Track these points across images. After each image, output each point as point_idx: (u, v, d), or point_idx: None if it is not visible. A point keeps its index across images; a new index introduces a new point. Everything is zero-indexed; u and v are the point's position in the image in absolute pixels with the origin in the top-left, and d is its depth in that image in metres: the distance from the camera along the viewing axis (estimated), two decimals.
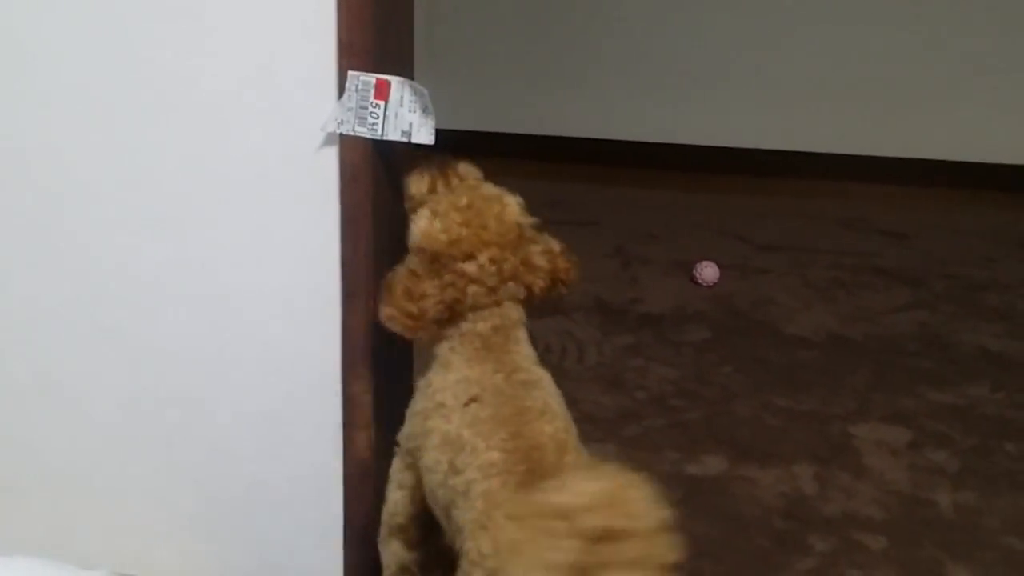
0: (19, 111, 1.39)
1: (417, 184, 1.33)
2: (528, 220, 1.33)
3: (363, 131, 1.26)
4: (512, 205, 1.32)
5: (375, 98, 1.25)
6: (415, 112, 1.26)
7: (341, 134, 1.28)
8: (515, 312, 1.31)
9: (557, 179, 3.80)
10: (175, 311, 1.45)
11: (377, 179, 1.32)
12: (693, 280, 2.87)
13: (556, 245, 1.34)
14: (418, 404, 1.33)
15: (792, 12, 3.67)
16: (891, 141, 3.70)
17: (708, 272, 2.86)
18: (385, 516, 1.41)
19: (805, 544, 1.77)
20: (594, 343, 2.47)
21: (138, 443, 1.55)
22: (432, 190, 1.32)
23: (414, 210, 1.31)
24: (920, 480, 1.97)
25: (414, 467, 1.34)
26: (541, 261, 1.31)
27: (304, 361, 1.43)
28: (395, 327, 1.28)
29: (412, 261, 1.29)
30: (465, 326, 1.28)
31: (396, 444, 1.39)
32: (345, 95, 1.25)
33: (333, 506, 1.49)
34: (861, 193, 3.69)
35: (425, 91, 1.25)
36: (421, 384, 1.34)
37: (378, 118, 1.26)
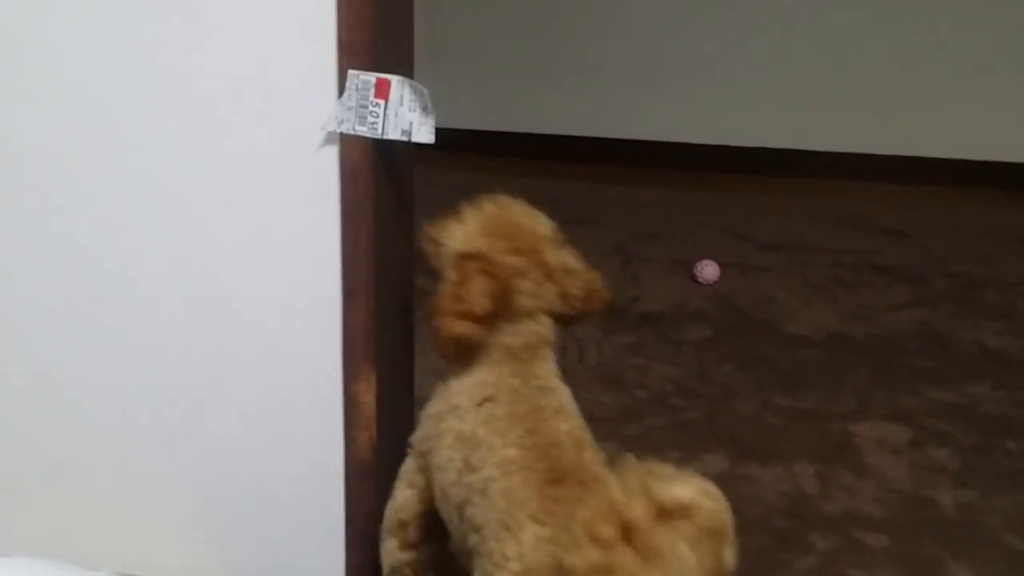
0: (19, 111, 1.39)
1: (433, 226, 1.36)
2: (559, 236, 1.36)
3: (363, 130, 1.26)
4: (542, 217, 1.37)
5: (375, 97, 1.25)
6: (415, 111, 1.26)
7: (341, 133, 1.28)
8: (546, 328, 1.33)
9: (557, 178, 3.81)
10: (175, 311, 1.45)
11: (377, 178, 1.32)
12: (693, 279, 2.87)
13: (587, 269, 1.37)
14: (434, 407, 1.34)
15: (792, 11, 3.67)
16: (891, 139, 3.70)
17: (708, 271, 2.86)
18: (389, 512, 1.42)
19: (806, 542, 1.77)
20: (594, 342, 2.47)
21: (139, 443, 1.55)
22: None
23: (435, 250, 1.35)
24: (921, 478, 1.97)
25: (426, 470, 1.34)
26: (578, 269, 1.35)
27: (305, 361, 1.43)
28: (454, 330, 1.28)
29: (450, 275, 1.30)
30: (499, 339, 1.29)
31: (409, 445, 1.40)
32: (345, 94, 1.25)
33: (334, 506, 1.49)
34: (861, 191, 3.69)
35: (425, 90, 1.25)
36: (440, 388, 1.34)
37: (378, 117, 1.26)
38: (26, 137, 1.40)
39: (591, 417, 1.28)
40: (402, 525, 1.40)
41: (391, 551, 1.42)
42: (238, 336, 1.45)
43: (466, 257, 1.30)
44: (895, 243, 3.25)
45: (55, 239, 1.45)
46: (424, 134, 1.26)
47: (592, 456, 1.22)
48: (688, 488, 0.96)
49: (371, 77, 1.24)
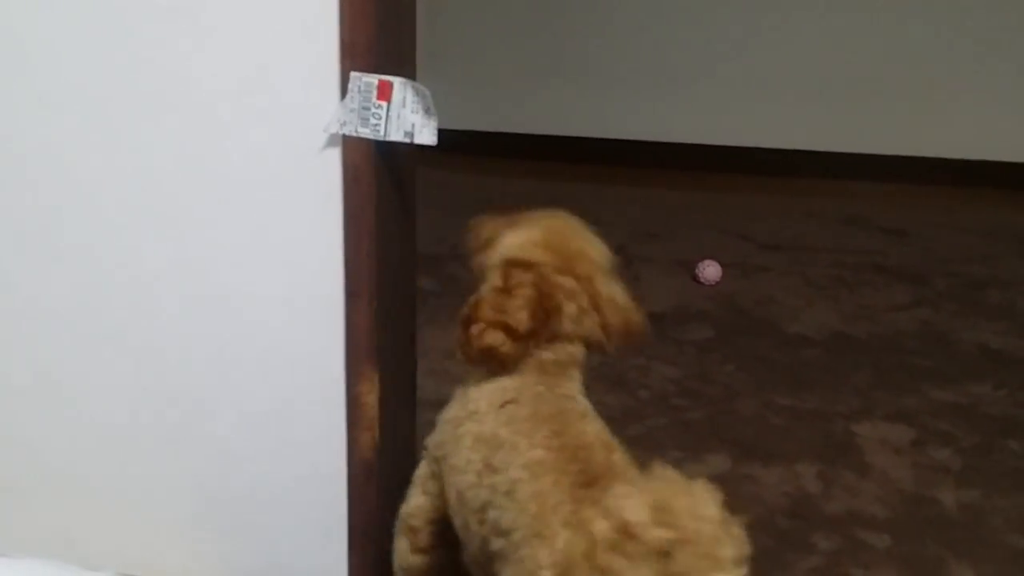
0: (19, 112, 1.39)
1: (486, 224, 1.35)
2: (613, 266, 1.32)
3: (366, 132, 1.26)
4: (599, 242, 1.33)
5: (377, 99, 1.25)
6: (417, 113, 1.26)
7: (344, 135, 1.28)
8: (579, 351, 1.29)
9: (558, 178, 3.80)
10: (177, 312, 1.45)
11: (379, 179, 1.32)
12: (695, 279, 2.87)
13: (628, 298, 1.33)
14: (451, 412, 1.32)
15: (793, 10, 3.67)
16: (892, 139, 3.70)
17: (710, 271, 2.86)
18: (402, 515, 1.41)
19: (809, 543, 1.77)
20: None
21: (141, 444, 1.55)
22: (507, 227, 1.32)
23: (482, 248, 1.33)
24: (923, 478, 1.97)
25: (439, 476, 1.32)
26: (623, 304, 1.30)
27: (307, 362, 1.43)
28: (487, 341, 1.24)
29: (495, 279, 1.27)
30: (536, 355, 1.26)
31: (424, 448, 1.38)
32: (347, 96, 1.25)
33: (337, 506, 1.49)
34: (862, 191, 3.69)
35: (427, 92, 1.25)
36: (458, 393, 1.32)
37: (380, 119, 1.26)
38: (26, 137, 1.40)
39: None
40: (413, 530, 1.38)
41: (402, 552, 1.40)
42: (240, 337, 1.45)
43: (518, 265, 1.25)
44: (896, 243, 3.25)
45: (55, 239, 1.45)
46: (426, 136, 1.26)
47: (621, 458, 1.18)
48: (637, 507, 0.94)
49: (373, 79, 1.24)
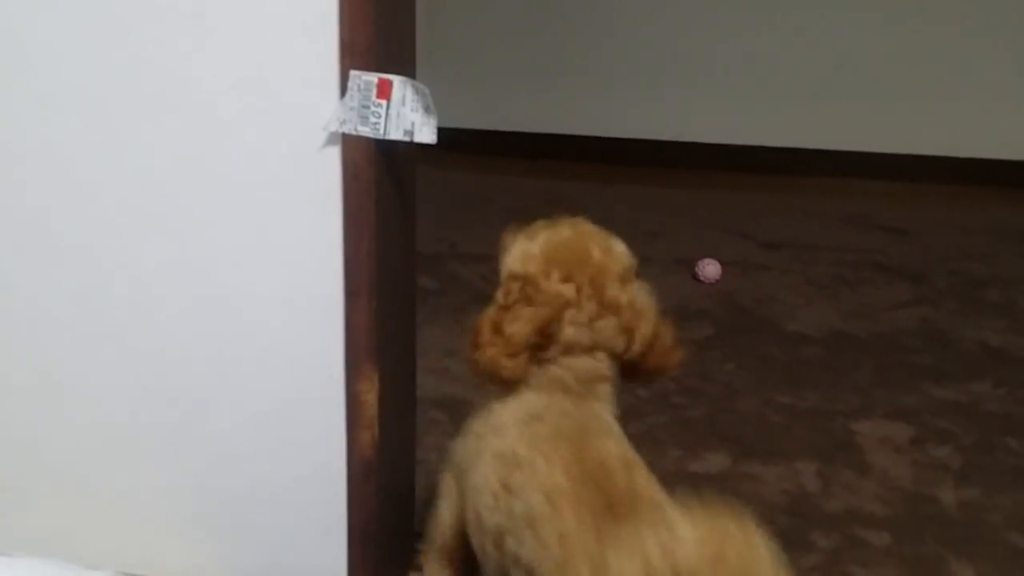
0: (19, 112, 1.39)
1: (505, 239, 1.31)
2: (633, 265, 1.27)
3: (365, 130, 1.26)
4: (618, 246, 1.28)
5: (377, 97, 1.25)
6: (417, 111, 1.26)
7: (343, 133, 1.28)
8: (605, 366, 1.24)
9: (558, 177, 3.81)
10: (176, 311, 1.45)
11: (379, 178, 1.32)
12: (695, 277, 2.87)
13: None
14: (475, 424, 1.29)
15: (794, 9, 3.67)
16: (892, 137, 3.70)
17: (710, 269, 2.86)
18: (432, 532, 1.38)
19: (808, 541, 1.77)
20: None
21: (141, 443, 1.55)
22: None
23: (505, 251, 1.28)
24: (923, 476, 1.97)
25: (461, 490, 1.29)
26: (647, 309, 1.24)
27: (307, 361, 1.43)
28: (485, 364, 1.21)
29: (499, 297, 1.24)
30: (552, 370, 1.21)
31: (449, 455, 1.35)
32: (347, 95, 1.25)
33: (336, 505, 1.49)
34: (862, 190, 3.69)
35: (427, 90, 1.25)
36: (482, 406, 1.29)
37: (380, 117, 1.26)
38: (26, 137, 1.40)
39: None
40: (444, 549, 1.34)
41: (434, 569, 1.38)
42: (239, 336, 1.45)
43: (514, 278, 1.23)
44: (897, 241, 3.25)
45: (55, 239, 1.45)
46: (426, 134, 1.26)
47: (644, 479, 1.14)
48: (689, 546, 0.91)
49: (373, 77, 1.24)
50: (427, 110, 1.26)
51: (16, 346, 1.53)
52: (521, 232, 1.29)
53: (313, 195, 1.33)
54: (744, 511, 0.95)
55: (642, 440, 2.06)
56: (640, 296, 1.25)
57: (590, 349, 1.22)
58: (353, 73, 1.24)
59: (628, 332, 1.23)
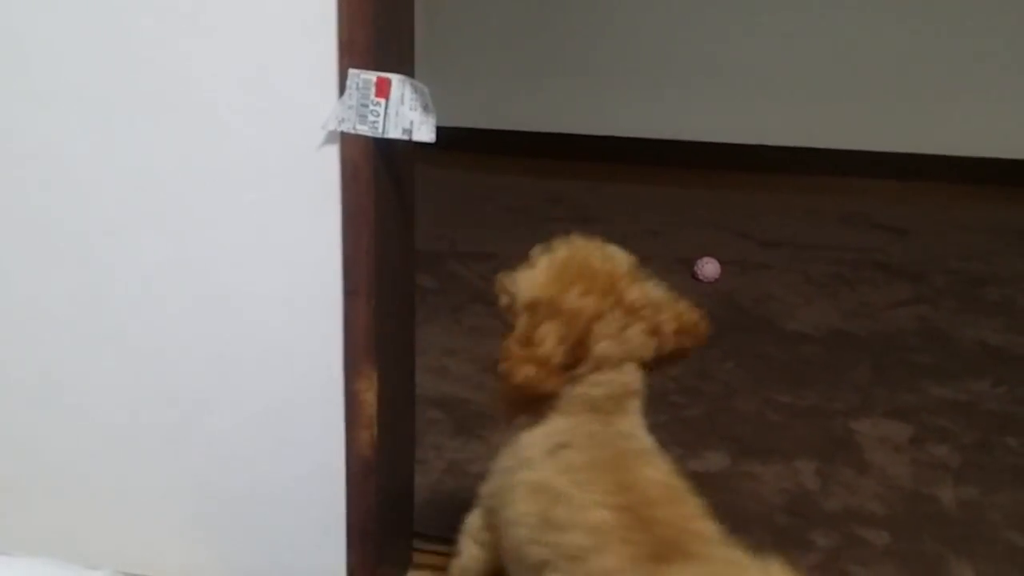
0: (19, 112, 1.39)
1: (505, 277, 1.29)
2: (635, 263, 1.26)
3: (364, 129, 1.26)
4: (616, 251, 1.26)
5: (376, 96, 1.25)
6: (416, 110, 1.26)
7: (342, 132, 1.28)
8: (633, 379, 1.22)
9: (558, 176, 3.81)
10: (176, 310, 1.45)
11: (378, 177, 1.32)
12: (694, 276, 2.87)
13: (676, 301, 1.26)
14: (503, 461, 1.26)
15: (793, 7, 3.67)
16: (891, 136, 3.70)
17: (709, 268, 2.86)
18: (455, 571, 1.35)
19: (807, 540, 1.77)
20: None
21: (140, 443, 1.55)
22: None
23: (510, 302, 1.26)
24: (922, 475, 1.97)
25: (495, 527, 1.27)
26: (665, 302, 1.23)
27: (306, 360, 1.43)
28: (518, 377, 1.16)
29: (519, 326, 1.20)
30: (581, 390, 1.19)
31: (477, 497, 1.32)
32: (346, 93, 1.25)
33: (336, 505, 1.49)
34: (862, 188, 3.69)
35: (426, 89, 1.25)
36: (508, 442, 1.26)
37: (379, 116, 1.26)
38: (26, 137, 1.40)
39: None
40: None
41: None
42: (239, 336, 1.45)
43: (534, 305, 1.20)
44: (896, 240, 3.25)
45: (55, 239, 1.45)
46: (425, 133, 1.26)
47: (690, 510, 1.11)
48: None
49: (372, 76, 1.24)
50: (426, 109, 1.26)
51: (16, 346, 1.53)
52: (517, 268, 1.27)
53: (312, 194, 1.33)
54: (792, 563, 0.96)
55: None
56: (652, 290, 1.25)
57: (620, 362, 1.20)
58: (352, 71, 1.24)
59: (655, 333, 1.22)
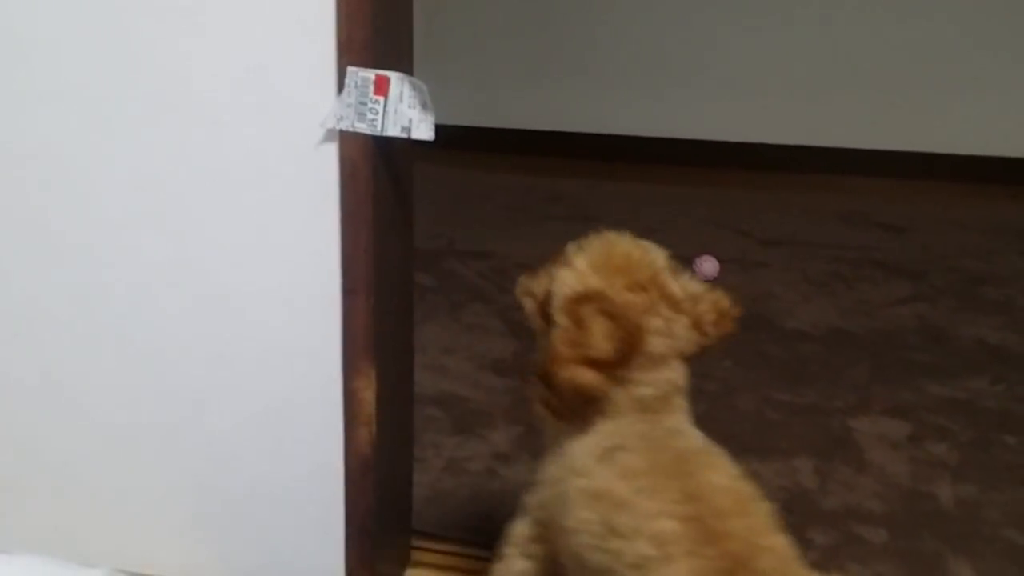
0: (17, 111, 1.39)
1: (532, 278, 1.24)
2: (673, 264, 1.22)
3: (362, 127, 1.26)
4: (652, 246, 1.22)
5: (374, 94, 1.25)
6: (415, 108, 1.25)
7: (340, 130, 1.28)
8: (680, 374, 1.19)
9: (557, 174, 3.81)
10: (175, 310, 1.45)
11: (377, 175, 1.32)
12: (693, 274, 2.86)
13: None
14: (550, 471, 1.22)
15: (791, 5, 3.67)
16: (891, 135, 3.70)
17: (708, 266, 2.86)
18: None
19: (805, 538, 1.77)
20: None
21: (139, 442, 1.55)
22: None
23: (536, 301, 1.22)
24: (920, 473, 1.97)
25: (546, 538, 1.23)
26: (703, 293, 1.20)
27: (305, 358, 1.43)
28: (575, 380, 1.11)
29: (562, 322, 1.14)
30: (628, 391, 1.15)
31: (523, 508, 1.29)
32: (344, 91, 1.25)
33: (334, 503, 1.49)
34: (861, 187, 3.69)
35: (424, 87, 1.25)
36: (554, 452, 1.22)
37: (377, 114, 1.25)
38: (25, 137, 1.40)
39: None
40: None
41: None
42: (238, 335, 1.45)
43: (580, 300, 1.14)
44: (895, 238, 3.25)
45: (55, 239, 1.45)
46: (424, 131, 1.26)
47: (761, 521, 1.08)
48: None
49: (370, 74, 1.24)
50: (425, 106, 1.26)
51: (16, 345, 1.53)
52: (550, 265, 1.22)
53: (311, 192, 1.33)
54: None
55: None
56: (689, 284, 1.21)
57: (667, 358, 1.17)
58: (350, 69, 1.24)
59: (697, 326, 1.19)
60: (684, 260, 3.11)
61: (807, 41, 3.69)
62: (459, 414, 2.15)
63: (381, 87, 1.25)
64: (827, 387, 2.30)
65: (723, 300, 1.21)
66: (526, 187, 3.65)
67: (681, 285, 1.19)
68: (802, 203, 3.55)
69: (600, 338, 1.11)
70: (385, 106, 1.25)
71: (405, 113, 1.25)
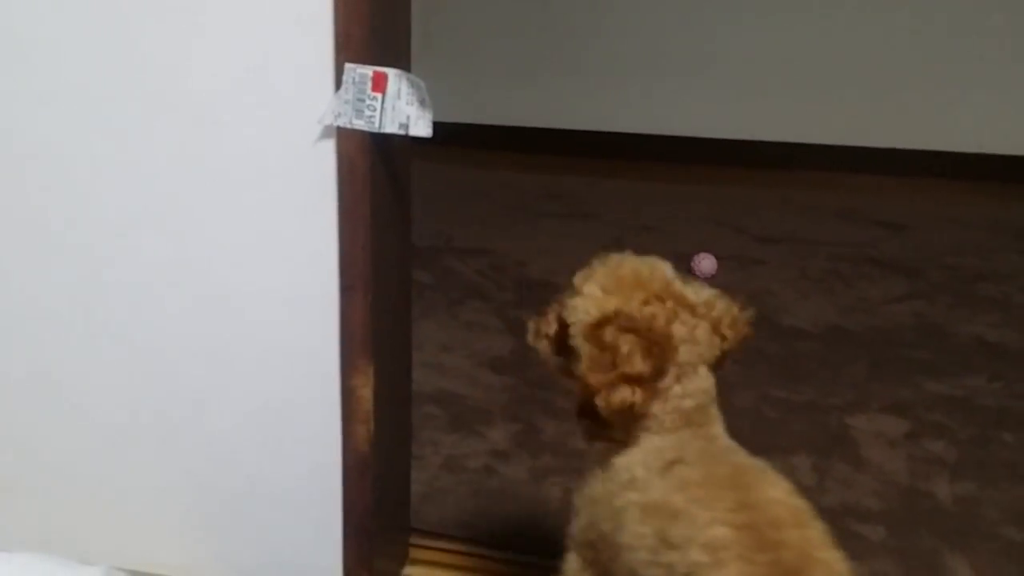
0: (17, 111, 1.39)
1: (540, 322, 1.23)
2: (674, 270, 1.22)
3: (360, 124, 1.26)
4: (656, 259, 1.21)
5: (372, 91, 1.24)
6: (412, 105, 1.25)
7: (338, 127, 1.27)
8: (710, 383, 1.18)
9: (555, 172, 3.80)
10: (174, 308, 1.45)
11: (374, 172, 1.31)
12: (691, 272, 2.86)
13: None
14: (597, 488, 1.20)
15: (790, 4, 3.67)
16: (889, 132, 3.70)
17: (706, 264, 2.86)
18: None
19: None
20: None
21: (138, 440, 1.55)
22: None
23: (554, 342, 1.21)
24: (918, 471, 1.97)
25: (597, 563, 1.21)
26: (715, 299, 1.20)
27: (303, 356, 1.43)
28: (618, 400, 1.11)
29: (587, 349, 1.14)
30: (670, 404, 1.14)
31: (567, 538, 1.27)
32: (342, 88, 1.25)
33: (332, 501, 1.49)
34: (859, 184, 3.69)
35: (422, 84, 1.25)
36: (595, 472, 1.21)
37: (375, 111, 1.25)
38: (24, 137, 1.40)
39: None
40: None
41: None
42: (237, 333, 1.45)
43: (602, 323, 1.13)
44: (893, 236, 3.25)
45: (54, 239, 1.45)
46: (422, 128, 1.26)
47: (816, 534, 1.08)
48: None
49: (368, 70, 1.24)
50: (423, 104, 1.25)
51: (16, 345, 1.53)
52: (561, 299, 1.22)
53: (309, 189, 1.33)
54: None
55: None
56: (700, 290, 1.21)
57: (695, 367, 1.16)
58: (348, 66, 1.24)
59: (716, 331, 1.19)
60: (682, 258, 3.12)
61: (805, 39, 3.69)
62: (457, 412, 2.14)
63: (379, 84, 1.24)
64: (825, 385, 2.30)
65: (735, 308, 1.22)
66: (524, 184, 3.64)
67: (696, 292, 1.20)
68: (800, 200, 3.55)
69: (632, 356, 1.11)
70: (383, 103, 1.25)
71: (403, 110, 1.25)
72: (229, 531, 1.58)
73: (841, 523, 1.81)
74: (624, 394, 1.11)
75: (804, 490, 1.88)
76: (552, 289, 1.28)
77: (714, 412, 1.20)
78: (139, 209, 1.40)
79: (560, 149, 3.92)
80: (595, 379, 1.12)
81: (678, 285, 1.19)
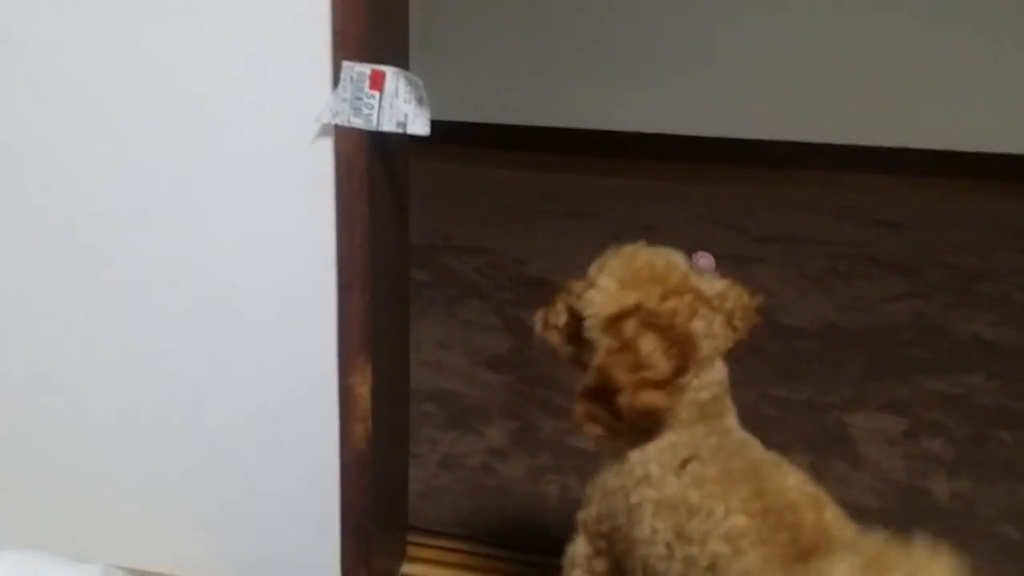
0: (15, 109, 1.39)
1: (549, 312, 1.22)
2: (686, 261, 1.20)
3: (358, 122, 1.26)
4: (668, 249, 1.19)
5: (370, 89, 1.24)
6: (410, 103, 1.25)
7: (336, 125, 1.27)
8: (724, 375, 1.18)
9: (553, 170, 3.80)
10: (173, 307, 1.45)
11: (372, 170, 1.32)
12: None
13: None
14: (611, 481, 1.19)
15: (789, 2, 3.66)
16: (887, 131, 3.70)
17: (704, 263, 2.85)
18: None
19: None
20: None
21: (136, 439, 1.55)
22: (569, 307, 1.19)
23: (563, 334, 1.20)
24: (916, 469, 1.98)
25: (609, 552, 1.21)
26: (727, 290, 1.18)
27: (301, 354, 1.43)
28: (643, 403, 1.09)
29: (605, 344, 1.12)
30: (687, 398, 1.13)
31: (576, 524, 1.27)
32: (340, 86, 1.25)
33: (330, 499, 1.49)
34: (857, 183, 3.69)
35: (420, 82, 1.25)
36: (610, 465, 1.20)
37: (373, 109, 1.25)
38: (23, 135, 1.40)
39: None
40: None
41: None
42: (235, 331, 1.45)
43: (621, 317, 1.11)
44: (891, 235, 3.25)
45: (53, 238, 1.45)
46: (419, 126, 1.26)
47: (835, 516, 1.08)
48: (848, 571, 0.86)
49: (366, 68, 1.24)
50: (420, 102, 1.25)
51: (14, 343, 1.53)
52: (573, 290, 1.20)
53: (306, 188, 1.33)
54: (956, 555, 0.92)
55: None
56: (713, 281, 1.19)
57: (712, 359, 1.15)
58: (345, 64, 1.24)
59: (730, 323, 1.18)
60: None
61: (806, 39, 3.69)
62: (455, 410, 2.15)
63: (377, 82, 1.24)
64: (823, 383, 2.30)
65: (745, 295, 1.21)
66: (522, 183, 3.64)
67: (710, 284, 1.18)
68: (798, 199, 3.55)
69: (656, 357, 1.09)
70: (381, 101, 1.25)
71: (401, 108, 1.25)
72: (227, 529, 1.58)
73: None
74: (648, 397, 1.10)
75: None
76: (550, 288, 1.27)
77: (728, 403, 1.19)
78: (139, 209, 1.40)
79: (559, 147, 3.91)
80: (621, 379, 1.10)
81: (694, 278, 1.17)
